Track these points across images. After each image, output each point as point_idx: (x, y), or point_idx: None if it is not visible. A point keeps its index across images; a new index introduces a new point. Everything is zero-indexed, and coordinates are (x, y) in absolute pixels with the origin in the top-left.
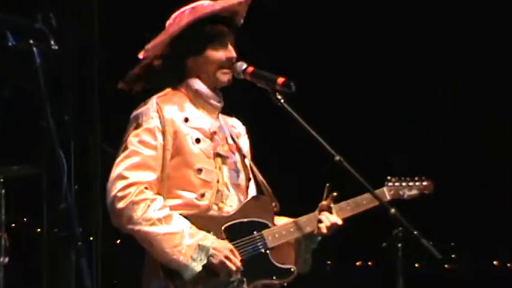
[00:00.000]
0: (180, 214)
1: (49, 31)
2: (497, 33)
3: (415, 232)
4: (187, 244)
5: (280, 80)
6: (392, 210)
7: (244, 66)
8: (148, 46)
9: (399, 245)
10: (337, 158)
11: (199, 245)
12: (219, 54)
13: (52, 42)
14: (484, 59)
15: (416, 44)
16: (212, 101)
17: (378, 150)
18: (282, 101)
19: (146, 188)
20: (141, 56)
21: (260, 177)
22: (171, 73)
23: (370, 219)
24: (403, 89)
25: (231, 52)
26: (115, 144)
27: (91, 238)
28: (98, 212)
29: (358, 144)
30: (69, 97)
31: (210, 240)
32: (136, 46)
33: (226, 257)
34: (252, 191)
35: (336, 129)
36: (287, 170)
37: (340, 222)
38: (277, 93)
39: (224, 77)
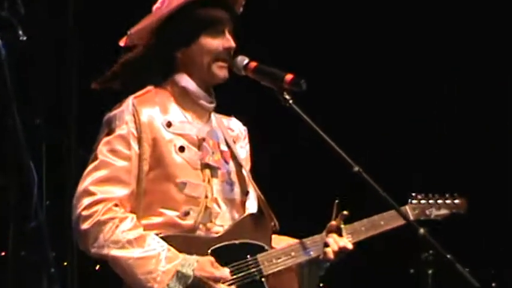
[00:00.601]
0: (158, 235)
1: (16, 20)
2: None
3: (448, 256)
4: (163, 270)
5: (289, 77)
6: (422, 230)
7: (246, 61)
8: (132, 31)
9: (429, 271)
10: (356, 168)
11: (177, 272)
12: (215, 43)
13: (20, 32)
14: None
15: (439, 49)
16: (202, 102)
17: (397, 163)
18: (291, 101)
19: (116, 206)
20: (122, 43)
21: (257, 190)
22: (156, 67)
23: (395, 241)
24: (420, 88)
25: (229, 41)
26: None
27: (65, 263)
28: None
29: (376, 154)
30: (40, 96)
31: (191, 265)
32: (120, 36)
33: (211, 287)
34: (252, 207)
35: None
36: (289, 182)
37: (350, 246)
38: (284, 93)
39: (220, 71)
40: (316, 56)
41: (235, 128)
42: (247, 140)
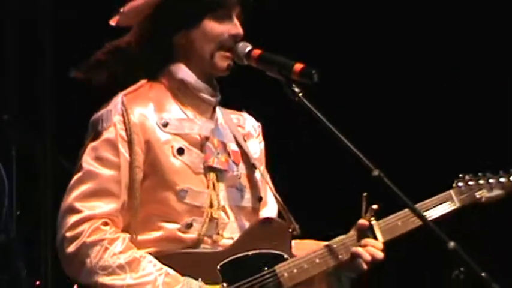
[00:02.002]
0: (157, 253)
1: None
2: None
3: (483, 274)
4: None
5: (298, 67)
6: (452, 244)
7: (249, 48)
8: (125, 9)
9: None
10: (376, 172)
11: None
12: (220, 28)
13: None
14: None
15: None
16: (203, 95)
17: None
18: (301, 94)
19: (105, 224)
20: (113, 22)
21: (273, 191)
22: (150, 55)
23: (421, 255)
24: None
25: (237, 27)
26: (74, 155)
27: (37, 283)
28: (46, 248)
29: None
30: (9, 88)
31: None
32: (109, 14)
33: None
34: (268, 214)
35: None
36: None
37: (380, 256)
38: (293, 85)
39: (223, 62)
40: (327, 47)
41: (246, 124)
42: (261, 137)
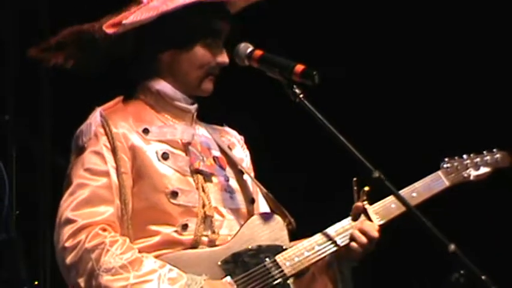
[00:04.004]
0: (157, 256)
1: None
2: None
3: (483, 277)
4: None
5: (299, 68)
6: (452, 246)
7: (250, 49)
8: (127, 22)
9: None
10: (376, 174)
11: None
12: (209, 56)
13: None
14: None
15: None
16: (180, 104)
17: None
18: (302, 96)
19: (104, 230)
20: (110, 31)
21: (264, 190)
22: (134, 65)
23: (421, 258)
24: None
25: (225, 56)
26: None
27: (36, 283)
28: (45, 248)
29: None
30: (8, 88)
31: (198, 283)
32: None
33: None
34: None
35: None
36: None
37: (375, 234)
38: (294, 86)
39: (210, 85)
40: (326, 48)
41: (229, 136)
42: (245, 148)
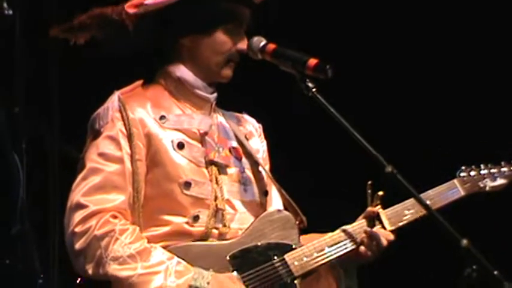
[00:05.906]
0: (166, 247)
1: None
2: None
3: (495, 273)
4: (173, 286)
5: (312, 61)
6: (465, 241)
7: (264, 42)
8: (149, 2)
9: None
10: (389, 169)
11: (190, 287)
12: (229, 42)
13: (5, 5)
14: None
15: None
16: (200, 92)
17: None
18: (314, 90)
19: (114, 217)
20: (131, 10)
21: (277, 185)
22: (155, 49)
23: (433, 254)
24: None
25: (245, 43)
26: (81, 146)
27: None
28: (53, 239)
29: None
30: (18, 80)
31: (205, 278)
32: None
33: None
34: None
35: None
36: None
37: (384, 243)
38: (307, 80)
39: (229, 71)
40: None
41: (247, 125)
42: (263, 137)
